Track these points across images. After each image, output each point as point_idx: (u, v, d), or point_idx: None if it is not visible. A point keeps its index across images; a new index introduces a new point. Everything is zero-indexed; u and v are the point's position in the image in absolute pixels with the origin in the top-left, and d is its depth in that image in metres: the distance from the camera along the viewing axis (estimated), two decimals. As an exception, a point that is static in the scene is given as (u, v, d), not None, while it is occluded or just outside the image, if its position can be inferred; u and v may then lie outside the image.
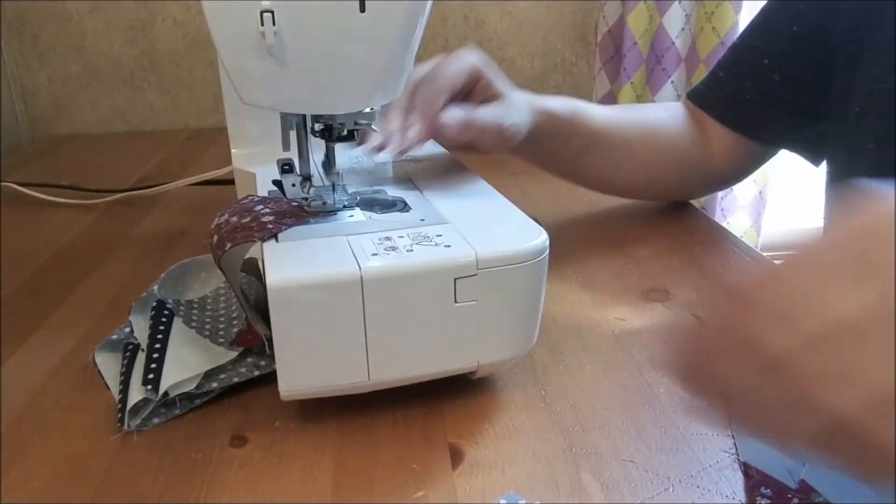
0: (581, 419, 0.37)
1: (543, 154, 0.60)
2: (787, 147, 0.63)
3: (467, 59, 0.51)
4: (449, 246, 0.36)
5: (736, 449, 0.34)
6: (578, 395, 0.39)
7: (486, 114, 0.49)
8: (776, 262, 0.27)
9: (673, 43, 1.05)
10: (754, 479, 0.31)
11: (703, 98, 0.64)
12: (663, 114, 0.65)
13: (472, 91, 0.52)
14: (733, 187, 1.07)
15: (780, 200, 1.22)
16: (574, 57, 1.19)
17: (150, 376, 0.38)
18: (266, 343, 0.39)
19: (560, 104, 0.56)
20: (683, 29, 1.05)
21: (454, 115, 0.48)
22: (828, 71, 0.56)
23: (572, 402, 0.39)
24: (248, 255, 0.43)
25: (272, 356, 0.35)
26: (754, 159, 0.64)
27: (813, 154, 0.62)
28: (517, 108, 0.52)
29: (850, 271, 0.23)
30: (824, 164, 0.62)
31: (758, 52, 0.60)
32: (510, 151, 0.55)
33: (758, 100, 0.60)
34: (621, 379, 0.41)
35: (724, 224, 0.73)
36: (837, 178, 0.58)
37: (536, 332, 0.40)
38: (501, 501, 0.31)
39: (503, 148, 0.52)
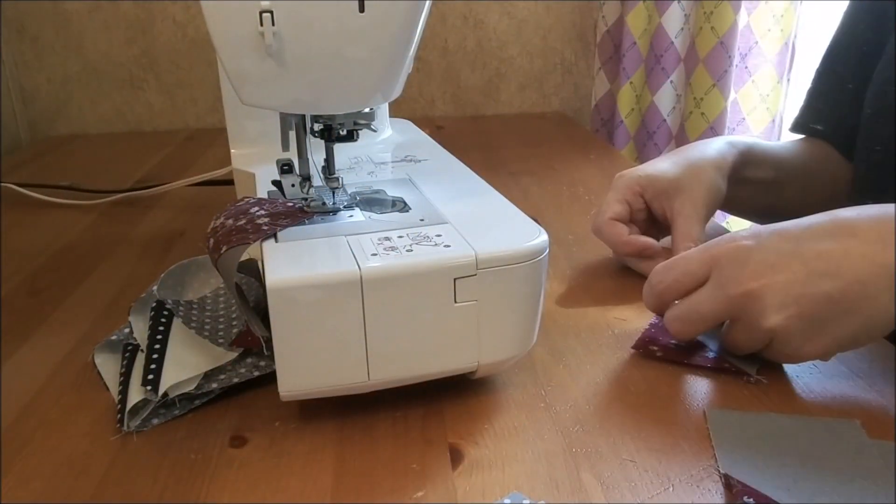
0: (581, 419, 0.37)
1: (744, 188, 0.58)
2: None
3: (620, 183, 0.54)
4: (448, 246, 0.36)
5: (716, 461, 0.33)
6: (578, 394, 0.39)
7: (684, 228, 0.50)
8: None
9: (672, 43, 1.05)
10: (737, 488, 0.31)
11: (825, 133, 0.63)
12: (803, 145, 0.64)
13: (648, 203, 0.53)
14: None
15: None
16: (573, 57, 1.19)
17: (150, 377, 0.38)
18: (264, 344, 0.39)
19: (747, 137, 0.58)
20: (682, 29, 1.05)
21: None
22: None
23: (572, 402, 0.39)
24: (246, 257, 0.43)
25: (272, 356, 0.35)
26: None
27: None
28: (700, 176, 0.52)
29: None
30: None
31: (843, 78, 0.60)
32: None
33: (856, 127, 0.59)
34: (621, 379, 0.41)
35: (723, 224, 0.74)
36: (855, 181, 0.58)
37: (536, 332, 0.40)
38: (506, 501, 0.31)
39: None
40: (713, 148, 0.55)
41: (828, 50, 0.64)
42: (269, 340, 0.36)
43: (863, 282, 0.35)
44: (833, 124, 0.62)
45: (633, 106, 1.11)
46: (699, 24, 1.01)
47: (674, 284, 0.41)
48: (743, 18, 0.99)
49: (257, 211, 0.41)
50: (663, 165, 0.54)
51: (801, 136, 0.66)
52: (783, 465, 0.33)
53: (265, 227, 0.38)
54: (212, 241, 0.39)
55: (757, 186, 0.59)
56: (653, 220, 0.55)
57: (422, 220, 0.40)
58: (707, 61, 1.00)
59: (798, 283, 0.36)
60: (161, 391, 0.37)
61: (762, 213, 0.63)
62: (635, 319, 0.48)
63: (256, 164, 0.54)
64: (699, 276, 0.40)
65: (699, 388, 0.40)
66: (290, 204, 0.42)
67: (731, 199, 0.56)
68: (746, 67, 1.01)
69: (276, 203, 0.42)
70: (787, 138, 0.68)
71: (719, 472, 0.33)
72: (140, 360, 0.40)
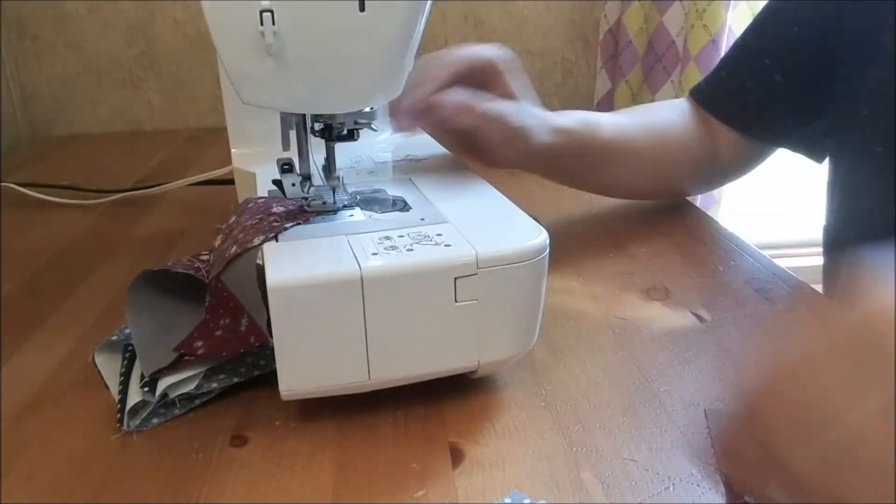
0: (581, 418, 0.37)
1: (558, 171, 0.59)
2: (787, 146, 0.63)
3: (485, 48, 0.49)
4: (449, 245, 0.36)
5: (717, 461, 0.33)
6: (579, 394, 0.39)
7: (491, 105, 0.48)
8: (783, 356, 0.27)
9: (674, 42, 1.05)
10: (737, 488, 0.31)
11: (706, 97, 0.64)
12: (671, 114, 0.64)
13: (485, 84, 0.50)
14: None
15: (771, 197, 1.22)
16: (574, 56, 1.19)
17: (148, 377, 0.38)
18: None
19: (572, 121, 0.56)
20: (683, 28, 1.05)
21: (454, 95, 0.46)
22: (829, 71, 0.56)
23: (573, 401, 0.39)
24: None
25: (272, 356, 0.35)
26: (759, 155, 0.65)
27: (815, 153, 0.62)
28: (532, 116, 0.51)
29: (856, 378, 0.24)
30: (826, 163, 0.61)
31: (759, 51, 0.60)
32: (521, 166, 0.54)
33: (759, 100, 0.60)
34: (622, 378, 0.41)
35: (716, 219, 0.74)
36: (843, 179, 0.58)
37: (537, 332, 0.40)
38: (507, 500, 0.31)
39: (507, 152, 0.50)
40: (550, 118, 0.53)
41: (753, 30, 0.63)
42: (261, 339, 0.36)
43: None
44: (745, 111, 0.61)
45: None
46: (692, 22, 1.01)
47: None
48: (734, 16, 0.99)
49: (275, 208, 0.41)
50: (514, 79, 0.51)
51: (672, 101, 0.66)
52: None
53: (275, 224, 0.38)
54: (221, 238, 0.39)
55: (576, 172, 0.59)
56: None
57: (422, 219, 0.40)
58: (698, 59, 1.00)
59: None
60: (159, 391, 0.37)
61: (585, 189, 0.64)
62: (636, 318, 0.48)
63: (257, 164, 0.54)
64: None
65: (699, 387, 0.40)
66: (293, 205, 0.42)
67: (550, 175, 0.57)
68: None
69: (285, 201, 0.43)
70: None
71: (720, 472, 0.33)
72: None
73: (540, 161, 0.54)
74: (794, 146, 0.62)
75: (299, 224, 0.39)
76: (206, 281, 0.39)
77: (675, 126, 0.63)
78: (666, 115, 0.65)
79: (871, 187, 0.55)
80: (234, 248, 0.37)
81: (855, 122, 0.56)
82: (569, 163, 0.57)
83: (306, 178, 0.45)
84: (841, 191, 0.59)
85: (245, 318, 0.38)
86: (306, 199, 0.43)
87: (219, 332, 0.38)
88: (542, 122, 0.53)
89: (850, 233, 0.58)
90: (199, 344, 0.38)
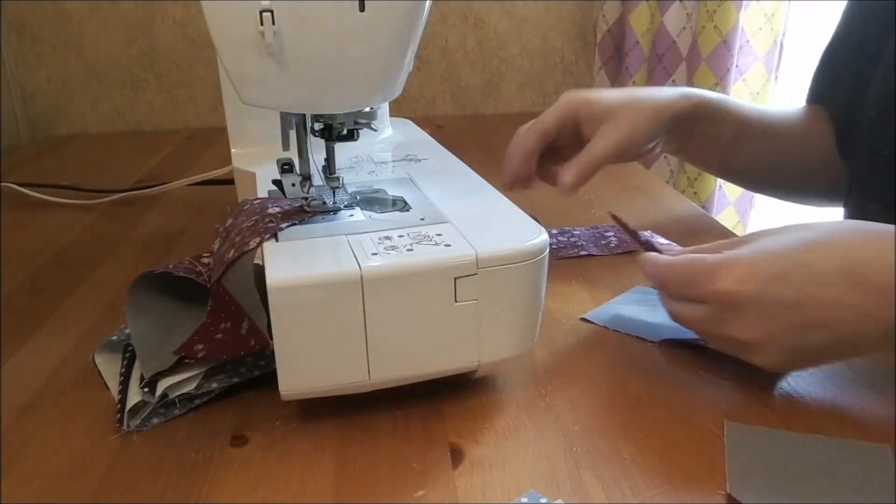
0: (581, 418, 0.37)
1: (696, 142, 0.58)
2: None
3: (561, 99, 0.52)
4: (449, 245, 0.36)
5: (725, 479, 0.32)
6: (579, 394, 0.39)
7: (595, 147, 0.50)
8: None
9: (674, 42, 1.05)
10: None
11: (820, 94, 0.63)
12: (799, 113, 0.64)
13: (579, 126, 0.52)
14: (722, 185, 1.07)
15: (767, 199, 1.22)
16: (574, 56, 1.19)
17: (148, 379, 0.38)
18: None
19: (709, 92, 0.57)
20: (685, 28, 1.05)
21: (565, 176, 0.49)
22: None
23: (573, 402, 0.39)
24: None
25: (272, 356, 0.35)
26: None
27: None
28: (635, 113, 0.52)
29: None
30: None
31: (857, 43, 0.60)
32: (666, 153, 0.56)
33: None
34: (622, 378, 0.41)
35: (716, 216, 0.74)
36: (855, 181, 0.58)
37: (537, 331, 0.40)
38: (523, 500, 0.31)
39: (642, 154, 0.54)
40: (662, 93, 0.55)
41: (833, 38, 0.64)
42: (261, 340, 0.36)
43: (857, 334, 0.35)
44: (834, 103, 0.61)
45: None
46: (702, 24, 1.01)
47: (670, 285, 0.40)
48: (744, 17, 0.99)
49: (271, 209, 0.41)
50: (607, 93, 0.54)
51: (803, 106, 0.65)
52: (801, 492, 0.31)
53: (270, 224, 0.38)
54: (219, 241, 0.39)
55: (711, 142, 0.59)
56: (577, 148, 0.54)
57: (422, 219, 0.40)
58: (710, 60, 1.00)
59: (793, 333, 0.36)
60: (159, 392, 0.37)
61: (716, 167, 0.63)
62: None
63: (257, 164, 0.54)
64: (694, 293, 0.39)
65: (700, 388, 0.40)
66: (288, 204, 0.42)
67: (681, 148, 0.56)
68: (738, 66, 1.02)
69: (282, 201, 0.42)
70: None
71: (727, 493, 0.31)
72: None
73: (676, 134, 0.54)
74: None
75: (295, 224, 0.39)
76: (208, 286, 0.39)
77: (807, 124, 0.62)
78: (792, 113, 0.63)
79: (877, 190, 0.55)
80: (232, 251, 0.37)
81: (866, 124, 0.55)
82: (706, 130, 0.57)
83: (306, 177, 0.45)
84: (855, 193, 0.58)
85: (246, 322, 0.38)
86: (306, 198, 0.43)
87: (219, 336, 0.38)
88: (665, 103, 0.53)
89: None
90: (200, 347, 0.38)
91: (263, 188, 0.49)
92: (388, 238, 0.37)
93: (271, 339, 0.37)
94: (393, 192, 0.46)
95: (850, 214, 0.59)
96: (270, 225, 0.38)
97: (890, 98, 0.52)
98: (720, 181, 1.07)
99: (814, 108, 0.63)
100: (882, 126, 0.53)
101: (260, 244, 0.37)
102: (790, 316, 0.36)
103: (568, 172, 0.51)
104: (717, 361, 0.42)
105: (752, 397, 0.38)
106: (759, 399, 0.38)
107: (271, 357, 0.36)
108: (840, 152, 0.60)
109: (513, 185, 0.53)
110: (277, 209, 0.41)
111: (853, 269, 0.35)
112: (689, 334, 0.41)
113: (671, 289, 0.40)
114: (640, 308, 0.48)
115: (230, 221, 0.41)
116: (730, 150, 0.60)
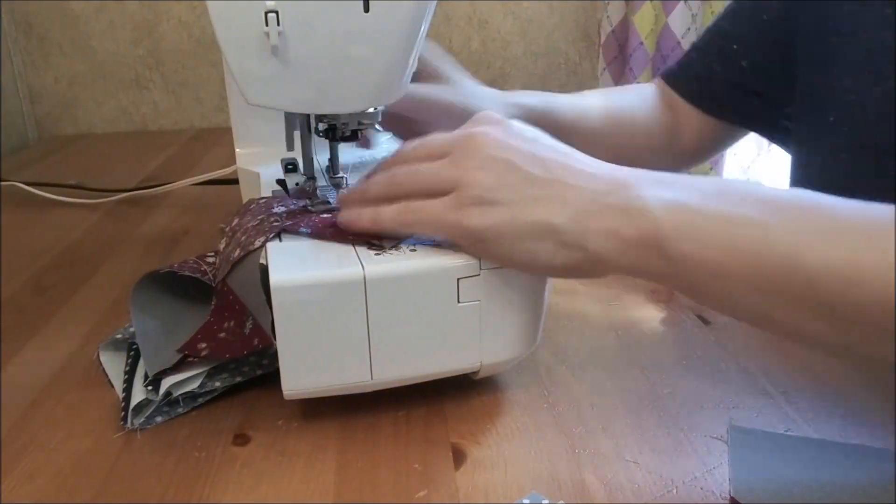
0: (584, 420, 0.37)
1: None
2: (754, 130, 0.62)
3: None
4: (452, 246, 0.36)
5: (729, 484, 0.32)
6: (581, 395, 0.39)
7: (423, 88, 0.48)
8: None
9: (679, 43, 1.04)
10: None
11: (675, 78, 0.64)
12: (634, 98, 0.64)
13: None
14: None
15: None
16: (578, 57, 1.19)
17: (152, 377, 0.38)
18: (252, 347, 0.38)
19: (530, 98, 0.56)
20: (689, 29, 1.04)
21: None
22: (792, 63, 0.56)
23: (575, 403, 0.39)
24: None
25: (275, 355, 0.35)
26: (723, 140, 0.64)
27: (782, 140, 0.61)
28: (473, 94, 0.51)
29: None
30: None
31: (728, 36, 0.60)
32: None
33: (726, 83, 0.60)
34: (624, 380, 0.41)
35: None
36: (806, 175, 0.57)
37: (539, 333, 0.40)
38: (525, 501, 0.31)
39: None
40: (489, 97, 0.53)
41: (730, 4, 0.63)
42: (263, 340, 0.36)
43: (566, 185, 0.33)
44: (701, 92, 0.61)
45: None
46: (706, 24, 1.01)
47: (415, 154, 0.38)
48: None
49: (276, 208, 0.41)
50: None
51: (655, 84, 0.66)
52: (805, 495, 0.30)
53: (275, 224, 0.39)
54: (225, 241, 0.40)
55: None
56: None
57: (425, 220, 0.40)
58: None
59: (515, 152, 0.34)
60: (162, 390, 0.37)
61: None
62: (639, 320, 0.48)
63: (261, 164, 0.54)
64: (440, 152, 0.36)
65: (703, 389, 0.40)
66: (294, 204, 0.42)
67: None
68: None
69: (287, 201, 0.43)
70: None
71: (731, 496, 0.31)
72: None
73: None
74: (760, 130, 0.62)
75: (297, 224, 0.39)
76: (213, 285, 0.39)
77: (636, 109, 0.63)
78: (629, 98, 0.64)
79: (881, 189, 0.54)
80: (238, 251, 0.37)
81: (821, 126, 0.55)
82: None
83: (310, 177, 0.45)
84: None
85: (249, 321, 0.38)
86: (310, 199, 0.43)
87: (222, 335, 0.38)
88: (491, 99, 0.52)
89: None
90: (203, 346, 0.38)
91: (267, 188, 0.49)
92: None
93: (275, 338, 0.37)
94: (396, 192, 0.46)
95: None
96: (276, 224, 0.38)
97: (847, 106, 0.51)
98: (713, 166, 1.07)
99: (670, 98, 0.63)
100: (840, 130, 0.52)
101: (265, 243, 0.37)
102: (527, 163, 0.33)
103: None
104: (720, 362, 0.42)
105: (755, 398, 0.38)
106: (762, 400, 0.38)
107: (274, 356, 0.36)
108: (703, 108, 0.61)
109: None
110: (283, 208, 0.41)
111: (621, 181, 0.33)
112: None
113: (414, 153, 0.37)
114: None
115: (236, 221, 0.41)
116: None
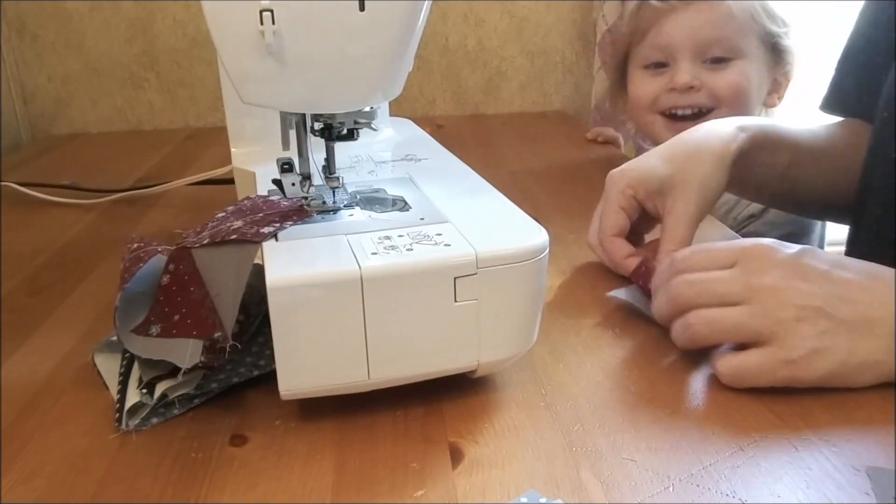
0: (581, 418, 0.37)
1: (754, 174, 0.56)
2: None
3: (614, 189, 0.51)
4: (449, 245, 0.36)
5: None
6: (578, 393, 0.39)
7: (681, 235, 0.48)
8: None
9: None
10: None
11: (842, 103, 0.62)
12: (840, 128, 0.63)
13: (641, 204, 0.52)
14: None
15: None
16: (574, 56, 1.19)
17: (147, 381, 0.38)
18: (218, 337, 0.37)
19: (761, 119, 0.56)
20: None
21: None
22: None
23: (572, 401, 0.39)
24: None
25: (272, 355, 0.35)
26: None
27: None
28: (697, 169, 0.50)
29: None
30: None
31: (873, 48, 0.59)
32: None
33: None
34: (621, 378, 0.41)
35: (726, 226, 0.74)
36: (863, 185, 0.57)
37: (536, 331, 0.40)
38: (522, 500, 0.31)
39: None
40: (718, 135, 0.52)
41: (853, 35, 0.63)
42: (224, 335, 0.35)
43: (873, 320, 0.37)
44: (867, 104, 0.60)
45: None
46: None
47: (697, 266, 0.41)
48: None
49: (267, 209, 0.40)
50: (654, 162, 0.52)
51: (832, 120, 0.64)
52: None
53: (275, 223, 0.38)
54: (206, 233, 0.39)
55: (770, 171, 0.56)
56: (647, 215, 0.53)
57: (422, 218, 0.40)
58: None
59: (820, 297, 0.37)
60: (157, 394, 0.37)
61: (778, 198, 0.61)
62: (636, 318, 0.48)
63: (257, 163, 0.54)
64: (724, 262, 0.40)
65: (700, 387, 0.40)
66: (287, 203, 0.42)
67: (741, 183, 0.53)
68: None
69: (282, 200, 0.42)
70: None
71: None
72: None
73: (737, 169, 0.52)
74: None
75: (295, 223, 0.39)
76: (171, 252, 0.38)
77: (846, 140, 0.61)
78: (834, 129, 0.62)
79: (884, 193, 0.54)
80: (222, 236, 0.37)
81: (876, 124, 0.55)
82: (765, 158, 0.55)
83: (306, 177, 0.45)
84: (863, 194, 0.57)
85: (208, 304, 0.37)
86: (306, 198, 0.43)
87: (176, 317, 0.37)
88: (721, 147, 0.51)
89: (863, 237, 0.57)
90: (155, 328, 0.38)
91: (263, 188, 0.49)
92: (387, 238, 0.37)
93: (260, 336, 0.37)
94: (393, 191, 0.46)
95: (855, 216, 0.59)
96: (275, 224, 0.38)
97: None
98: None
99: (852, 122, 0.62)
100: (889, 127, 0.52)
101: (261, 239, 0.37)
102: (819, 281, 0.37)
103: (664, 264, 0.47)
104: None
105: (752, 397, 0.38)
106: (759, 398, 0.38)
107: (271, 357, 0.36)
108: None
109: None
110: (277, 209, 0.41)
111: (878, 270, 0.39)
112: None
113: (695, 264, 0.41)
114: None
115: (222, 215, 0.41)
116: (787, 178, 0.58)
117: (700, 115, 0.78)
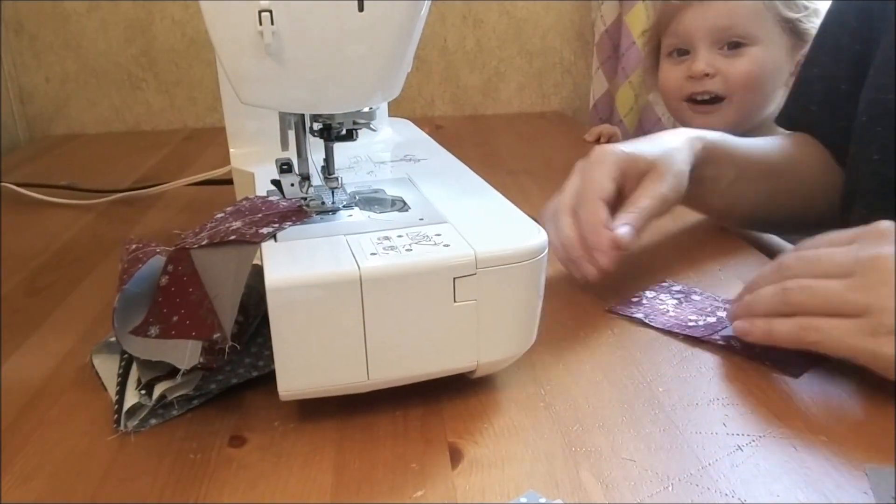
0: (580, 418, 0.37)
1: (701, 186, 0.55)
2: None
3: (605, 160, 0.50)
4: (448, 245, 0.36)
5: None
6: (578, 393, 0.39)
7: (645, 204, 0.48)
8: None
9: (671, 42, 1.05)
10: None
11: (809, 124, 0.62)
12: (791, 142, 0.63)
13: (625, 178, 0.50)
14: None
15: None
16: (573, 56, 1.19)
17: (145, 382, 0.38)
18: (217, 338, 0.37)
19: (710, 132, 0.55)
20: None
21: (624, 231, 0.46)
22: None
23: (572, 401, 0.39)
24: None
25: (271, 356, 0.35)
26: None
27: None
28: (671, 162, 0.50)
29: None
30: None
31: (825, 63, 0.59)
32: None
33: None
34: (620, 378, 0.41)
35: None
36: (847, 190, 0.58)
37: (535, 331, 0.40)
38: (522, 500, 0.31)
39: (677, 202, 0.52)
40: (681, 139, 0.53)
41: (813, 46, 0.63)
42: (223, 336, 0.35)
43: None
44: (825, 123, 0.61)
45: (631, 105, 1.11)
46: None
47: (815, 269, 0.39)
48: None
49: (266, 209, 0.40)
50: (643, 146, 0.51)
51: (788, 133, 0.65)
52: None
53: (275, 224, 0.38)
54: (204, 234, 0.39)
55: (712, 185, 0.56)
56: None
57: (421, 219, 0.40)
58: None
59: None
60: (156, 395, 0.37)
61: (716, 211, 0.61)
62: (635, 318, 0.48)
63: (255, 164, 0.54)
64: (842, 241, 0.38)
65: (698, 387, 0.40)
66: (286, 203, 0.42)
67: (688, 196, 0.53)
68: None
69: (281, 201, 0.42)
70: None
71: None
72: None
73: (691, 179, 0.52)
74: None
75: (294, 224, 0.39)
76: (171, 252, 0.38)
77: (804, 154, 0.61)
78: (789, 142, 0.62)
79: (867, 195, 0.55)
80: (221, 237, 0.37)
81: (856, 127, 0.55)
82: (711, 173, 0.55)
83: (305, 178, 0.45)
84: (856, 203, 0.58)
85: (206, 305, 0.37)
86: (305, 199, 0.43)
87: (175, 318, 0.37)
88: (687, 146, 0.52)
89: None
90: (154, 329, 0.37)
91: (262, 188, 0.49)
92: (386, 238, 0.37)
93: (259, 336, 0.37)
94: (392, 192, 0.46)
95: (839, 219, 0.59)
96: (274, 225, 0.38)
97: (879, 102, 0.52)
98: None
99: (801, 136, 0.63)
100: (873, 130, 0.53)
101: (260, 240, 0.37)
102: None
103: (624, 232, 0.46)
104: (717, 359, 0.42)
105: (751, 396, 0.38)
106: (758, 397, 0.38)
107: (270, 357, 0.36)
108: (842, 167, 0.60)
109: (610, 267, 0.46)
110: (276, 209, 0.41)
111: None
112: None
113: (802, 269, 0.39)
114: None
115: (221, 215, 0.41)
116: (730, 193, 0.57)
117: (717, 100, 0.79)
